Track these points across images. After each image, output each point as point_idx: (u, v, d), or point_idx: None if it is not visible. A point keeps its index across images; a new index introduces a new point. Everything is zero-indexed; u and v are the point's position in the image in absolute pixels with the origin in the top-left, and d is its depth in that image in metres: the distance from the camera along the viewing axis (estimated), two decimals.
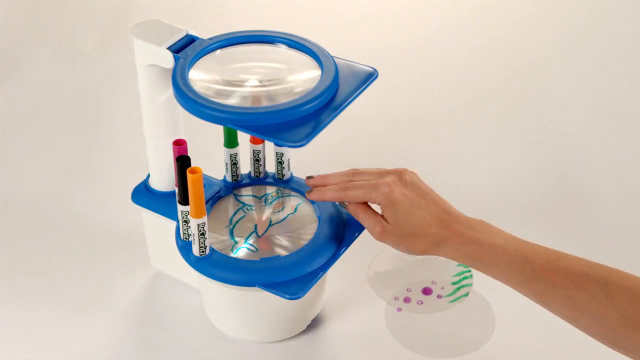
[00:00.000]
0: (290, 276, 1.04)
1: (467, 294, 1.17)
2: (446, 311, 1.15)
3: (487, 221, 1.02)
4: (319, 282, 1.05)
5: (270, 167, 1.18)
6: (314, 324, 1.14)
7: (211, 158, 1.27)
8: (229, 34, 1.07)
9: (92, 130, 1.47)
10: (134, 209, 1.18)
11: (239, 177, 1.17)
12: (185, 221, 1.07)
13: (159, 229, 1.16)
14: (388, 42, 1.66)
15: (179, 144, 1.05)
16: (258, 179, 1.17)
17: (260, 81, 1.02)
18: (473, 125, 1.48)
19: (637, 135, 1.44)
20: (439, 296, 1.14)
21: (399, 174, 1.02)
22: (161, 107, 1.09)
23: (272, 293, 1.03)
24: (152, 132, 1.11)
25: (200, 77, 1.02)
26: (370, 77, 1.02)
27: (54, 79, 1.58)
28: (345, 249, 1.09)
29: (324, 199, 1.05)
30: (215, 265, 1.06)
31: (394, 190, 1.00)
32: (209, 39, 1.05)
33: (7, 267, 1.23)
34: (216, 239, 1.09)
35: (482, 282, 1.15)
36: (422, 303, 1.13)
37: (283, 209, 1.13)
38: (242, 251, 1.08)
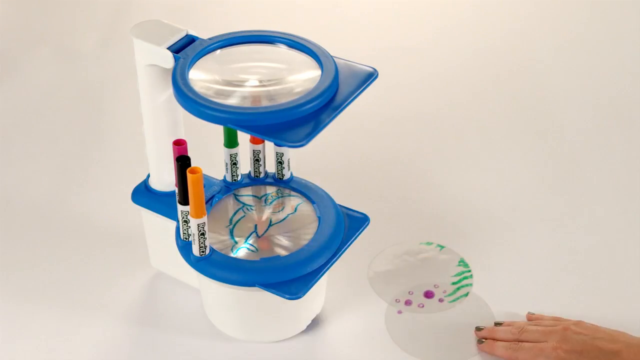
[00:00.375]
0: (290, 276, 1.04)
1: (467, 294, 1.17)
2: (446, 312, 1.15)
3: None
4: (319, 282, 1.05)
5: (270, 167, 1.18)
6: (314, 324, 1.14)
7: (211, 158, 1.27)
8: (229, 34, 1.07)
9: (92, 130, 1.47)
10: (134, 209, 1.17)
11: (239, 177, 1.17)
12: (185, 221, 1.07)
13: (159, 229, 1.16)
14: (388, 42, 1.66)
15: (179, 144, 1.05)
16: (258, 179, 1.17)
17: (260, 81, 1.02)
18: (473, 125, 1.48)
19: (637, 135, 1.44)
20: (441, 300, 1.14)
21: (563, 332, 1.05)
22: (161, 107, 1.09)
23: (272, 293, 1.03)
24: (152, 132, 1.11)
25: (200, 77, 1.02)
26: (370, 77, 1.02)
27: (54, 79, 1.58)
28: (345, 249, 1.09)
29: (494, 354, 1.08)
30: (215, 265, 1.06)
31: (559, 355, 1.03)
32: (209, 39, 1.05)
33: (7, 267, 1.23)
34: (216, 239, 1.09)
35: (482, 282, 1.15)
36: (423, 306, 1.14)
37: (283, 209, 1.13)
38: (242, 251, 1.08)
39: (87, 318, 1.16)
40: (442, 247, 1.23)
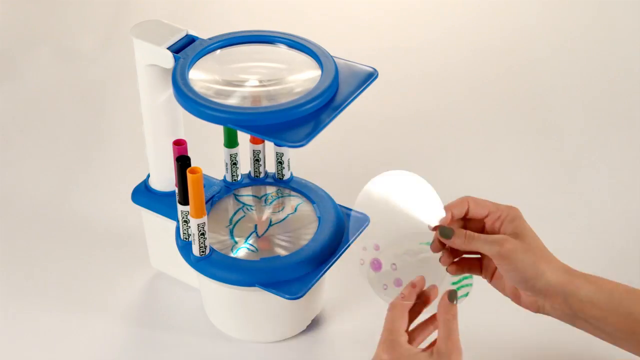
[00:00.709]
0: (290, 276, 1.04)
1: (467, 294, 1.17)
2: None
3: None
4: (319, 282, 1.05)
5: (270, 167, 1.18)
6: (314, 324, 1.14)
7: (211, 158, 1.27)
8: (229, 34, 1.07)
9: (92, 130, 1.48)
10: (134, 209, 1.17)
11: (239, 177, 1.17)
12: (185, 221, 1.07)
13: (159, 229, 1.16)
14: (388, 42, 1.66)
15: (179, 144, 1.05)
16: (258, 179, 1.17)
17: (260, 81, 1.02)
18: (473, 125, 1.48)
19: (637, 135, 1.44)
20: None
21: None
22: (161, 107, 1.09)
23: (272, 293, 1.03)
24: (152, 132, 1.11)
25: (200, 77, 1.02)
26: (370, 77, 1.02)
27: (54, 79, 1.58)
28: (346, 249, 1.09)
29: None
30: (215, 265, 1.06)
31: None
32: (209, 39, 1.05)
33: (7, 267, 1.23)
34: (216, 239, 1.09)
35: (482, 282, 1.15)
36: (395, 269, 1.11)
37: (283, 209, 1.13)
38: (242, 251, 1.08)
39: (87, 318, 1.16)
40: None
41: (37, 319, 1.16)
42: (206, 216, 1.04)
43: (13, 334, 1.14)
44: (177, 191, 1.05)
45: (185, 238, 1.09)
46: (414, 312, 0.98)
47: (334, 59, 1.02)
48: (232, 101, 0.99)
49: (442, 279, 1.19)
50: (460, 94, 1.55)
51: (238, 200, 1.15)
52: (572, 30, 1.67)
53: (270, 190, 1.16)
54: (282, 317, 1.11)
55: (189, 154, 1.05)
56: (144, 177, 1.18)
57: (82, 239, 1.28)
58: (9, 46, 1.65)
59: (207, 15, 1.72)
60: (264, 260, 1.05)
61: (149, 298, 1.19)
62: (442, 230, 0.99)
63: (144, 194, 1.16)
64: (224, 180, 1.17)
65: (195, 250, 1.06)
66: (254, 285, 1.04)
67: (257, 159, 1.16)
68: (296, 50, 1.05)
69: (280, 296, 1.03)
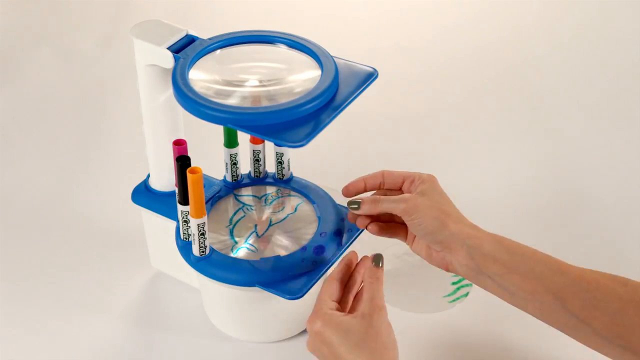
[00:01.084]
0: (290, 276, 1.04)
1: (467, 294, 1.17)
2: (446, 311, 1.15)
3: (487, 223, 1.02)
4: (319, 282, 1.05)
5: (270, 167, 1.18)
6: None
7: (211, 158, 1.27)
8: (229, 34, 1.07)
9: (92, 130, 1.48)
10: (134, 209, 1.18)
11: (239, 177, 1.17)
12: (185, 221, 1.07)
13: (159, 229, 1.16)
14: (388, 42, 1.66)
15: (179, 144, 1.05)
16: (258, 179, 1.17)
17: (260, 81, 1.02)
18: (473, 125, 1.48)
19: (637, 135, 1.44)
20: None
21: None
22: (161, 107, 1.09)
23: (272, 293, 1.03)
24: (152, 132, 1.11)
25: (200, 77, 1.02)
26: (370, 77, 1.02)
27: (54, 79, 1.58)
28: (345, 249, 1.09)
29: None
30: (215, 265, 1.06)
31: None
32: (209, 39, 1.05)
33: (7, 267, 1.24)
34: (216, 239, 1.09)
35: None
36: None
37: (283, 209, 1.13)
38: (242, 251, 1.08)
39: (87, 318, 1.16)
40: None
41: (37, 319, 1.16)
42: (206, 216, 1.04)
43: (13, 334, 1.14)
44: (177, 191, 1.05)
45: (185, 238, 1.09)
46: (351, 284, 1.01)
47: (334, 59, 1.02)
48: (232, 101, 0.99)
49: (441, 279, 1.19)
50: (460, 93, 1.55)
51: (238, 200, 1.15)
52: (572, 29, 1.67)
53: (270, 190, 1.16)
54: (282, 317, 1.11)
55: (189, 154, 1.05)
56: (144, 177, 1.18)
57: (82, 239, 1.28)
58: (9, 46, 1.65)
59: (207, 15, 1.72)
60: (264, 260, 1.05)
61: (149, 298, 1.19)
62: (351, 202, 1.03)
63: (144, 194, 1.16)
64: (224, 180, 1.17)
65: (195, 250, 1.06)
66: (254, 285, 1.04)
67: (257, 159, 1.16)
68: (296, 50, 1.05)
69: (280, 296, 1.03)
